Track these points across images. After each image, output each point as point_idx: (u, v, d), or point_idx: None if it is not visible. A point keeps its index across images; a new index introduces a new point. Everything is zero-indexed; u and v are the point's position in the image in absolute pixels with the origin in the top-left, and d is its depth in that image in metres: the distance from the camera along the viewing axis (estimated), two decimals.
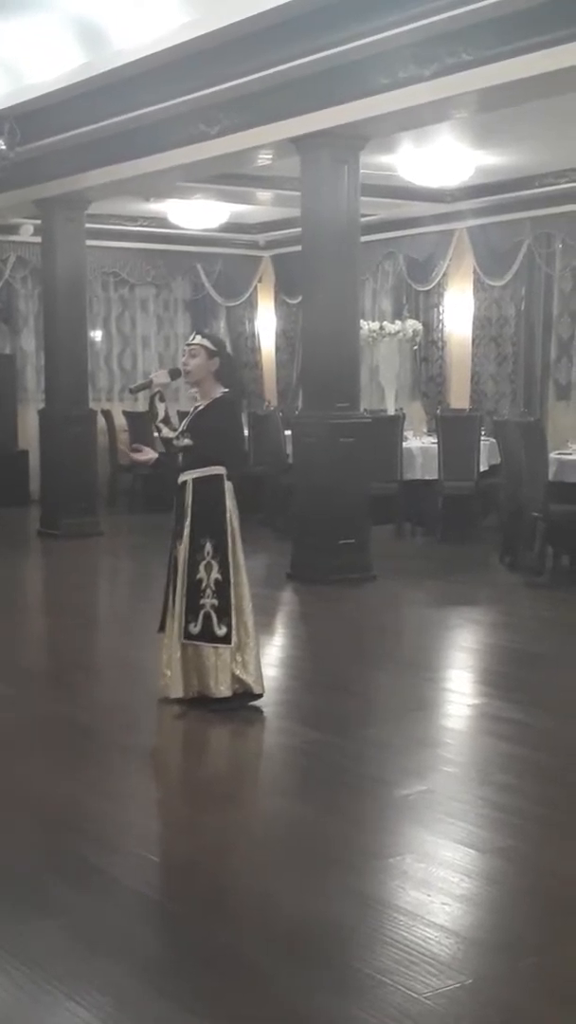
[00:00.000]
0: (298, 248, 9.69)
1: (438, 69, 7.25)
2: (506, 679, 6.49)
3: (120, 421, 13.96)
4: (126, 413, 13.81)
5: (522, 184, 12.06)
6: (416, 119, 8.28)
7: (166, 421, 5.63)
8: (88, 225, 11.82)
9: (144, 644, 6.25)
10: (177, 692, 5.53)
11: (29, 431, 13.73)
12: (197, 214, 13.09)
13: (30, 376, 14.63)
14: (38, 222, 12.17)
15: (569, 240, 12.33)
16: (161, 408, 5.65)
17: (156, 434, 5.72)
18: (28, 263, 14.26)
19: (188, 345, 5.64)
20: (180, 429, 5.57)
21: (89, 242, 12.02)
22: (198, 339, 5.63)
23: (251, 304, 16.08)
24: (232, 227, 14.28)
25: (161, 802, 4.76)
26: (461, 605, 8.48)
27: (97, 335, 14.92)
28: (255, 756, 5.35)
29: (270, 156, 9.45)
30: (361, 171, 8.86)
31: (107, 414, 13.90)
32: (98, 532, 11.65)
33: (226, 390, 5.59)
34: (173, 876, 3.94)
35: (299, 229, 9.42)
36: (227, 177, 11.39)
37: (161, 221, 13.96)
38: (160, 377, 5.68)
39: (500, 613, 8.18)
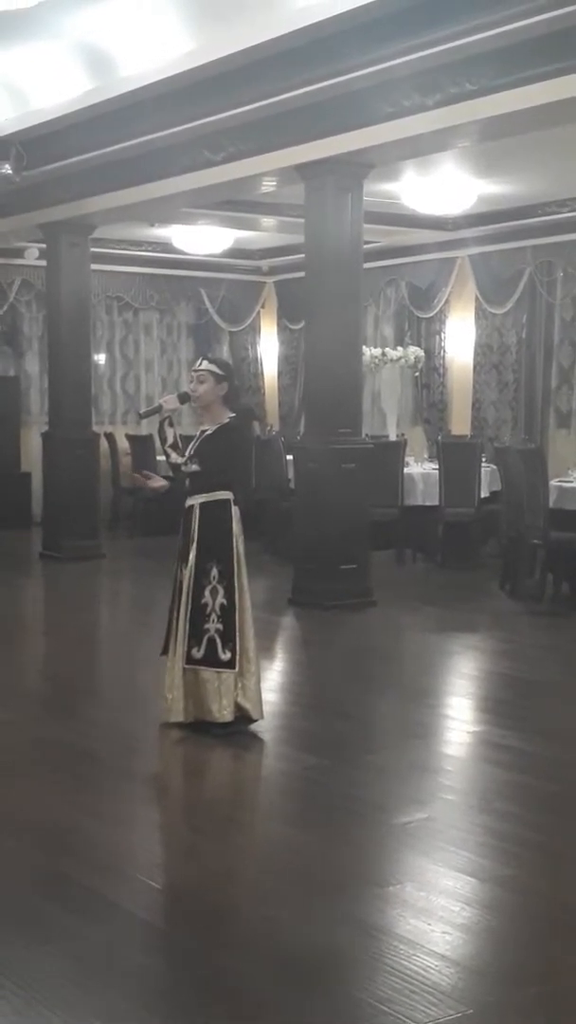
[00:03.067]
0: (301, 274, 9.74)
1: (441, 99, 7.31)
2: (506, 706, 6.48)
3: (123, 444, 13.99)
4: (129, 436, 13.86)
5: (524, 213, 12.13)
6: (419, 148, 8.35)
7: (175, 446, 5.63)
8: (93, 249, 11.88)
9: (145, 667, 6.25)
10: (178, 716, 5.54)
11: (32, 453, 13.77)
12: (201, 240, 13.14)
13: (34, 399, 14.67)
14: (43, 246, 12.23)
15: (570, 268, 12.38)
16: (170, 433, 5.65)
17: (165, 459, 5.72)
18: (33, 286, 14.31)
19: (195, 371, 5.63)
20: (188, 454, 5.58)
21: (93, 266, 12.07)
22: (205, 364, 5.62)
23: (254, 329, 16.14)
24: (236, 253, 14.35)
25: (161, 827, 4.75)
26: (461, 632, 8.48)
27: (101, 359, 14.96)
28: (254, 781, 5.35)
29: (274, 183, 9.51)
30: (364, 198, 8.91)
31: (110, 437, 13.93)
32: (100, 555, 11.66)
33: (233, 415, 5.61)
34: (173, 902, 3.92)
35: (302, 255, 9.48)
36: (231, 203, 11.45)
37: (165, 246, 14.03)
38: (170, 402, 5.69)
39: (500, 640, 8.18)
